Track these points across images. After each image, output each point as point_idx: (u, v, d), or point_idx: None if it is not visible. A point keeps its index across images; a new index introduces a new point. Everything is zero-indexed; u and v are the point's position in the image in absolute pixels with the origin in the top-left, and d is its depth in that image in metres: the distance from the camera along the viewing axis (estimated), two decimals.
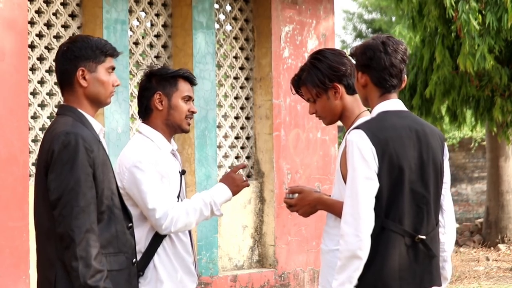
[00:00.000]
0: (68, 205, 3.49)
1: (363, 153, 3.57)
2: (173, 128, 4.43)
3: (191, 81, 4.48)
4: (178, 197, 4.38)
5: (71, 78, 3.68)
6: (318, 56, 4.15)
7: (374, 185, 3.56)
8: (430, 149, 3.70)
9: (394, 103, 3.74)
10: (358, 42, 31.06)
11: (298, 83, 4.21)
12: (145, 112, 4.45)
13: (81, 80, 3.68)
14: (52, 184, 3.52)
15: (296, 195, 4.16)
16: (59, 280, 3.53)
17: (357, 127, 3.66)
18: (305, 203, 4.14)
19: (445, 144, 3.83)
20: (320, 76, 4.11)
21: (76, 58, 3.67)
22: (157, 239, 4.31)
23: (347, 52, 4.09)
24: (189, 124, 4.48)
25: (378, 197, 3.57)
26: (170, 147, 4.42)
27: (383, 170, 3.57)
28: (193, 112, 4.46)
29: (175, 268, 4.34)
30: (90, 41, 3.71)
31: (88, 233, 3.49)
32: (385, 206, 3.58)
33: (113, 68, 3.76)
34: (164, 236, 4.30)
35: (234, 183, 4.39)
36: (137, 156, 4.30)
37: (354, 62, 3.82)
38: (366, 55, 3.70)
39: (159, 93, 4.41)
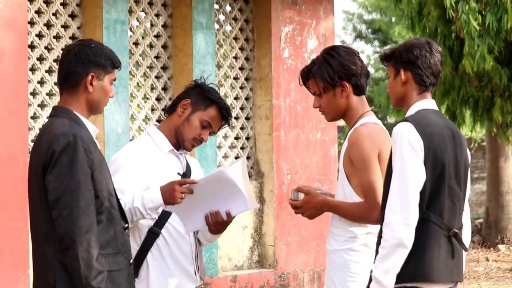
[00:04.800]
0: (68, 206, 3.49)
1: (413, 144, 3.66)
2: (179, 140, 4.44)
3: (224, 117, 4.45)
4: None
5: (78, 80, 3.69)
6: (332, 52, 4.17)
7: (422, 176, 3.66)
8: (463, 150, 3.83)
9: (431, 102, 3.86)
10: (358, 42, 31.07)
11: (308, 75, 4.22)
12: (171, 108, 4.47)
13: (88, 85, 3.69)
14: (52, 185, 3.52)
15: (302, 195, 4.16)
16: (59, 282, 3.53)
17: (404, 120, 3.73)
18: (311, 206, 4.15)
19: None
20: (330, 72, 4.13)
21: (90, 62, 3.68)
22: (149, 239, 4.33)
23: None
24: (193, 146, 4.44)
25: (421, 189, 3.67)
26: (169, 147, 4.42)
27: (428, 163, 3.67)
28: (202, 140, 4.44)
29: (169, 267, 4.35)
30: (104, 50, 3.73)
31: (88, 234, 3.50)
32: (427, 199, 3.67)
33: (115, 80, 3.80)
34: (157, 236, 4.32)
35: (170, 193, 4.15)
36: (120, 152, 4.37)
37: (394, 60, 3.86)
38: (412, 53, 3.80)
39: (189, 101, 4.43)
